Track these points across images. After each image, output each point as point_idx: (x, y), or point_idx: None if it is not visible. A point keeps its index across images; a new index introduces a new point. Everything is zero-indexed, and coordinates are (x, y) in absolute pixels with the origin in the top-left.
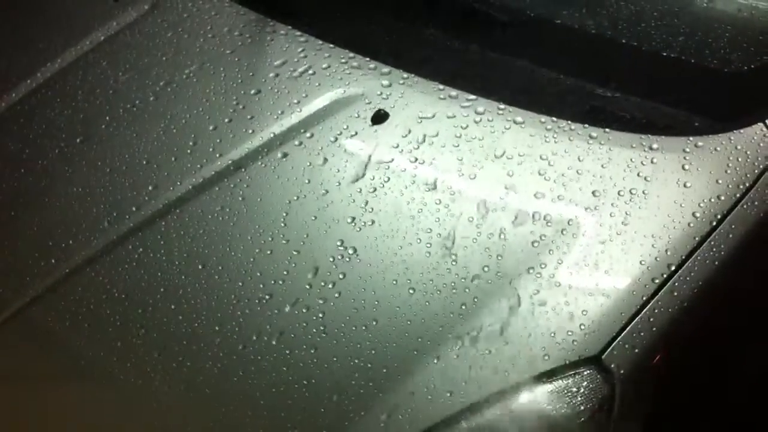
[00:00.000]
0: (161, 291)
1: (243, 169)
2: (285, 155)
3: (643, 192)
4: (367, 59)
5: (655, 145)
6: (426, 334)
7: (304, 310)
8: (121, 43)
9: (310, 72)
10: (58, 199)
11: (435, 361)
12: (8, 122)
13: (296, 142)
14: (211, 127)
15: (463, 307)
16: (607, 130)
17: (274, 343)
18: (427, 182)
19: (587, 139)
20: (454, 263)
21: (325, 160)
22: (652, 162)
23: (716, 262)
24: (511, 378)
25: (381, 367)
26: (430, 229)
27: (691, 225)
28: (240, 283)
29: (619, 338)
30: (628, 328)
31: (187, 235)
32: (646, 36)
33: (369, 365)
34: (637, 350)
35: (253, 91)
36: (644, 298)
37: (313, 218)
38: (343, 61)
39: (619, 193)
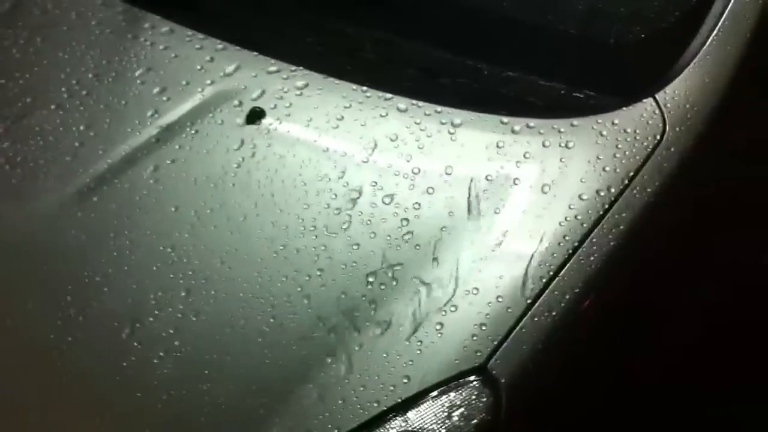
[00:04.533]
0: None
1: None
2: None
3: (515, 181)
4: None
5: (517, 127)
6: (302, 352)
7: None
8: None
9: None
10: None
11: (316, 379)
12: None
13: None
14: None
15: (343, 318)
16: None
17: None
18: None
19: (449, 125)
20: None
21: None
22: (522, 145)
23: (602, 259)
24: (394, 395)
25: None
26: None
27: (573, 218)
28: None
29: (503, 346)
30: (512, 335)
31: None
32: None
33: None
34: (522, 357)
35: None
36: (527, 302)
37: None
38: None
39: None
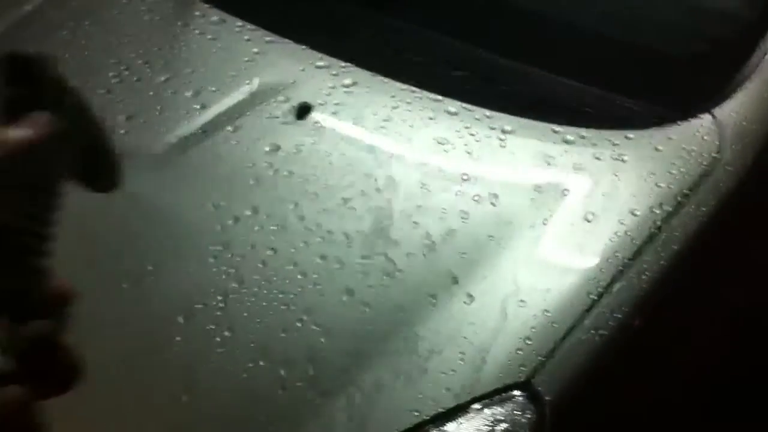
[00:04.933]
0: None
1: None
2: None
3: (565, 192)
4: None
5: (570, 137)
6: (361, 349)
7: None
8: None
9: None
10: None
11: (367, 381)
12: None
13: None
14: None
15: (399, 319)
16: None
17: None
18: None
19: (499, 131)
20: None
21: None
22: (574, 156)
23: (653, 277)
24: (439, 405)
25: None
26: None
27: (624, 234)
28: None
29: (549, 362)
30: (558, 351)
31: None
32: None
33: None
34: (568, 375)
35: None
36: (575, 318)
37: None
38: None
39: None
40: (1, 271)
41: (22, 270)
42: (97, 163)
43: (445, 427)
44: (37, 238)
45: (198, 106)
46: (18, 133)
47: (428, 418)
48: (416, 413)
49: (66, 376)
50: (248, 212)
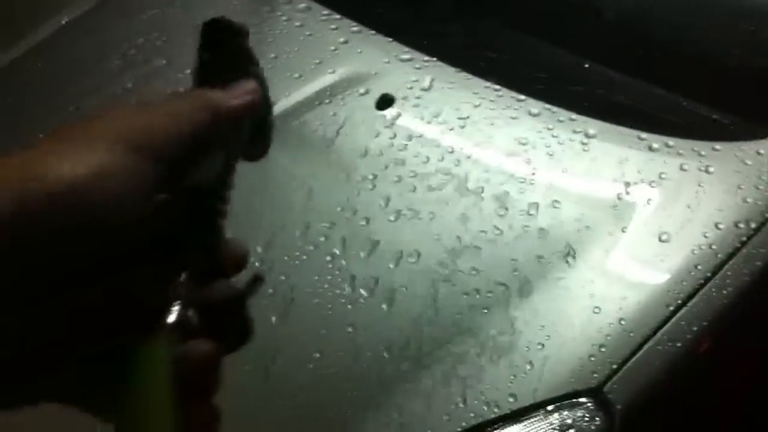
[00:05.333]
0: None
1: None
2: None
3: (648, 201)
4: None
5: (655, 145)
6: (432, 346)
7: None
8: None
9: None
10: None
11: (434, 379)
12: None
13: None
14: None
15: (473, 320)
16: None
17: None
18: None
19: (583, 135)
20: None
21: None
22: (659, 164)
23: (734, 293)
24: (507, 406)
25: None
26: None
27: (708, 247)
28: None
29: (622, 370)
30: (632, 361)
31: None
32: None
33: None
34: (640, 385)
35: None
36: (653, 329)
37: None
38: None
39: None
40: (192, 230)
41: (210, 230)
42: (257, 134)
43: (510, 429)
44: (222, 200)
45: (280, 93)
46: (233, 98)
47: (494, 417)
48: (485, 411)
49: (242, 335)
50: (324, 198)
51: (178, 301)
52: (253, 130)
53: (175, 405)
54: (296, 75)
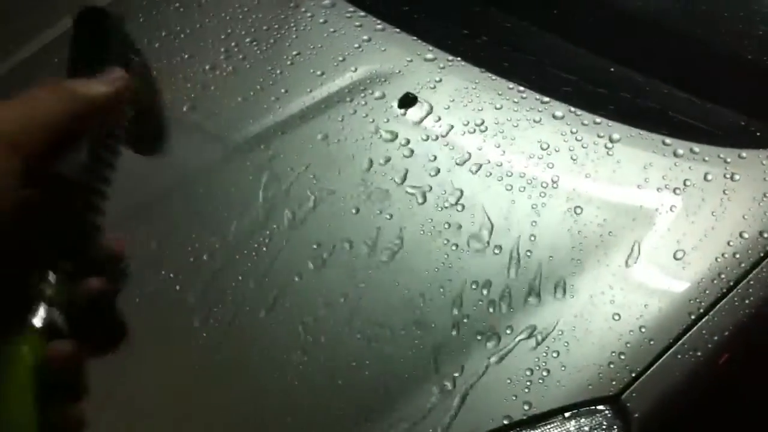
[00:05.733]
0: None
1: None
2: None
3: (672, 208)
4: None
5: (680, 151)
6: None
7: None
8: None
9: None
10: None
11: (453, 379)
12: None
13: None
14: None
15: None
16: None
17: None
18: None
19: (607, 139)
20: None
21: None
22: (684, 171)
23: (758, 303)
24: (525, 410)
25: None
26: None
27: (731, 256)
28: None
29: (641, 378)
30: (651, 369)
31: None
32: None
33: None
34: (659, 394)
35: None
36: (674, 338)
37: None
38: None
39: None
40: (60, 225)
41: (80, 225)
42: (147, 126)
43: None
44: (95, 193)
45: (302, 90)
46: (97, 87)
47: (510, 423)
48: (500, 417)
49: (113, 336)
50: (343, 197)
51: (44, 300)
52: (138, 121)
53: (37, 408)
54: (318, 72)
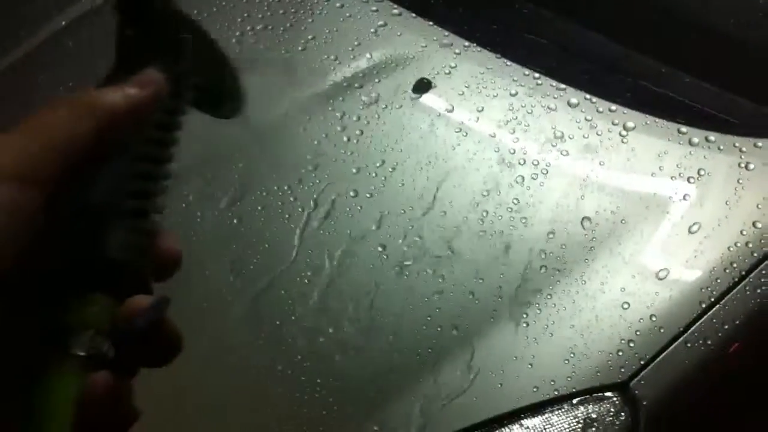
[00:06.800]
0: None
1: None
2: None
3: (686, 197)
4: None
5: (695, 140)
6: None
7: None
8: None
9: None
10: None
11: (463, 367)
12: None
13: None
14: None
15: (497, 309)
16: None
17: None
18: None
19: (621, 127)
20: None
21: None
22: (699, 159)
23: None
24: (533, 394)
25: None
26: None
27: (744, 245)
28: None
29: (650, 366)
30: (661, 357)
31: None
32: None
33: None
34: (668, 382)
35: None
36: (684, 326)
37: None
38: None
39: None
40: (99, 240)
41: (117, 246)
42: (222, 91)
43: (533, 420)
44: (142, 209)
45: (317, 74)
46: (123, 96)
47: (517, 408)
48: (508, 403)
49: (166, 353)
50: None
51: (85, 326)
52: (214, 89)
53: None
54: (333, 57)
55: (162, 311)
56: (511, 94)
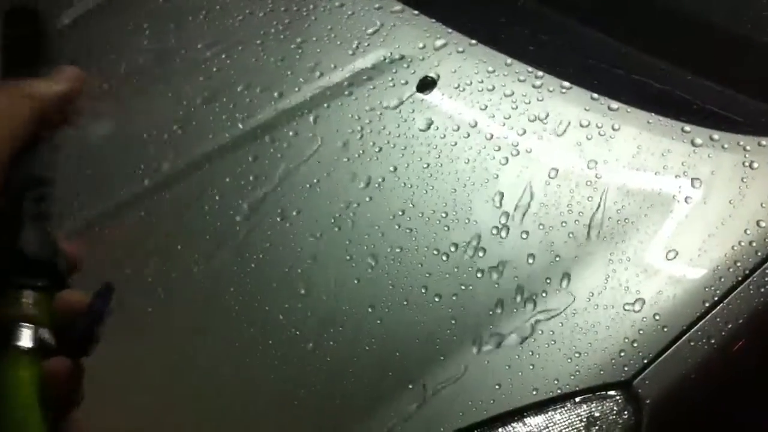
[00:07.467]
0: None
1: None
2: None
3: (688, 199)
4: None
5: (699, 139)
6: (453, 333)
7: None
8: None
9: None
10: None
11: (462, 368)
12: None
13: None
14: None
15: (497, 304)
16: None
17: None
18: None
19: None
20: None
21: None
22: (702, 158)
23: None
24: (534, 395)
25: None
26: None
27: (748, 244)
28: None
29: (653, 365)
30: (664, 356)
31: None
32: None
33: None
34: (672, 380)
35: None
36: (687, 325)
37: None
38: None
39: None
40: (18, 242)
41: (43, 236)
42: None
43: (536, 418)
44: (47, 201)
45: (317, 73)
46: (56, 86)
47: (520, 407)
48: (510, 401)
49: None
50: (361, 184)
51: (28, 320)
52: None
53: (46, 426)
54: (335, 55)
55: (110, 300)
56: (515, 92)
